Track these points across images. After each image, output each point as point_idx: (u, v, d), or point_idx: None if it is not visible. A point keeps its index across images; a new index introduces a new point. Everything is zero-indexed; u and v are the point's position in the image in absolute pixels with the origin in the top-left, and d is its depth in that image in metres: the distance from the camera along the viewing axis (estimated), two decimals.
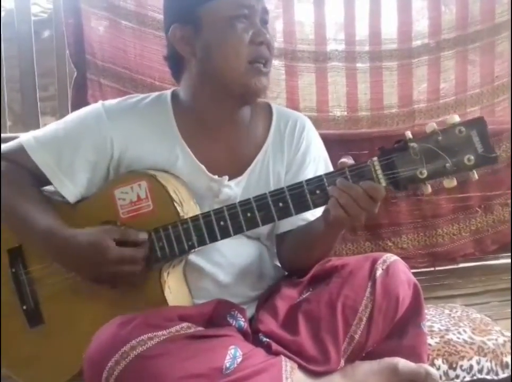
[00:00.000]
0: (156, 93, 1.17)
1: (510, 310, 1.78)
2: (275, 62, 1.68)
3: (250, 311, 1.13)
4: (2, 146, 1.12)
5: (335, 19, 1.77)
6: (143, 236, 0.99)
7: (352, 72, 1.76)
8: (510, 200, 1.84)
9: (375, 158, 0.93)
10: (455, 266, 1.88)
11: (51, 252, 1.03)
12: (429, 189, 0.92)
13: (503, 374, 1.20)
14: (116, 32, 1.59)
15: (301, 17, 1.74)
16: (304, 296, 1.10)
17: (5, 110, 1.67)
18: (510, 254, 1.90)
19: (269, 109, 1.20)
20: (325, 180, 0.94)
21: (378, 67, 1.77)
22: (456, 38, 1.80)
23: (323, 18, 1.73)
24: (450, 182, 0.91)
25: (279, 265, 1.23)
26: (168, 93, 1.16)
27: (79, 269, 1.02)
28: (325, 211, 0.98)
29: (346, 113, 1.77)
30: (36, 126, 1.66)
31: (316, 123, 1.30)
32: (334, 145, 1.44)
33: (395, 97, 1.80)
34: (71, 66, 1.59)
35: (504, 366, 1.20)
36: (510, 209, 1.84)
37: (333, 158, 1.24)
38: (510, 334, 1.28)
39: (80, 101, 1.55)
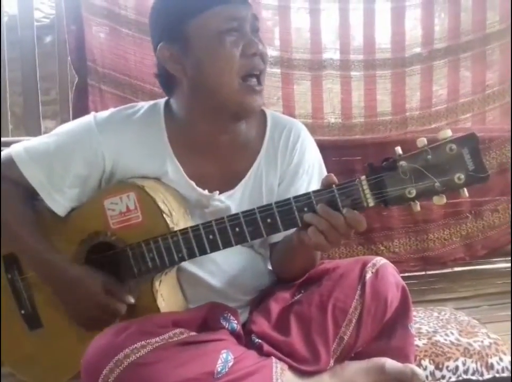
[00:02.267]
0: (151, 103, 1.14)
1: (500, 314, 1.82)
2: (272, 70, 1.72)
3: (244, 315, 1.14)
4: None
5: (331, 28, 1.80)
6: (129, 300, 1.01)
7: (346, 80, 1.80)
8: (500, 206, 1.87)
9: (363, 177, 0.91)
10: (446, 270, 1.92)
11: (40, 276, 1.06)
12: (418, 208, 0.90)
13: (488, 375, 1.23)
14: (116, 39, 1.62)
15: (298, 26, 1.78)
16: (295, 298, 1.12)
17: (7, 113, 1.70)
18: (500, 259, 1.94)
19: (263, 117, 1.17)
20: (313, 197, 0.93)
21: (372, 75, 1.81)
22: (448, 48, 1.85)
23: (319, 27, 1.78)
24: (440, 200, 0.88)
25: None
26: (162, 103, 1.13)
27: (63, 300, 1.04)
28: (300, 232, 0.95)
29: (340, 120, 1.81)
30: (38, 129, 1.69)
31: (311, 129, 1.32)
32: (328, 151, 1.46)
33: (388, 104, 1.84)
34: (73, 71, 1.62)
35: (489, 367, 1.23)
36: (499, 215, 1.88)
37: (327, 164, 1.26)
38: (495, 336, 1.31)
39: (81, 106, 1.59)
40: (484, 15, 1.88)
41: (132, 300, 1.01)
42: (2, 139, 1.59)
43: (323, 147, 1.30)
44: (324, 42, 1.78)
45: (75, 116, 1.52)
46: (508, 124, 1.89)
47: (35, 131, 1.67)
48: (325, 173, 1.18)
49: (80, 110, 1.57)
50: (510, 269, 1.91)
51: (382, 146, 1.74)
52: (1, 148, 1.16)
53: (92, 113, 1.12)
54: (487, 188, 1.85)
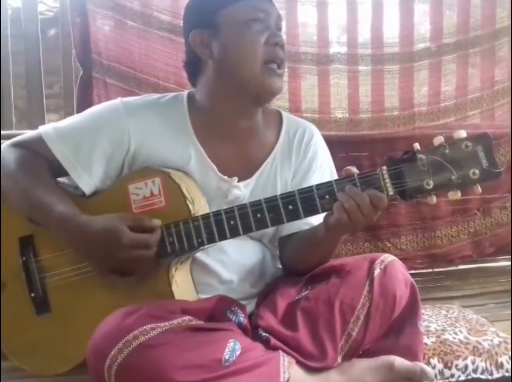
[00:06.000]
0: (173, 94, 1.20)
1: (506, 312, 1.79)
2: None
3: (250, 307, 1.15)
4: (22, 135, 1.15)
5: (338, 22, 1.79)
6: (156, 222, 1.02)
7: (354, 74, 1.78)
8: (508, 203, 1.85)
9: (384, 167, 0.96)
10: (453, 268, 1.90)
11: (65, 238, 1.04)
12: (435, 200, 0.95)
13: (497, 374, 1.21)
14: (121, 31, 1.61)
15: (304, 19, 1.77)
16: (302, 294, 1.12)
17: (10, 107, 1.69)
18: (507, 257, 1.92)
19: (279, 116, 1.24)
20: (334, 185, 0.97)
21: (380, 70, 1.79)
22: (457, 43, 1.83)
23: (326, 21, 1.76)
24: (455, 194, 0.94)
25: (280, 266, 1.25)
26: (184, 94, 1.19)
27: (93, 256, 1.03)
28: (327, 215, 1.00)
29: (347, 115, 1.79)
30: (41, 123, 1.67)
31: (318, 124, 1.32)
32: (335, 146, 1.46)
33: (396, 100, 1.82)
34: (77, 64, 1.61)
35: (498, 366, 1.22)
36: (508, 212, 1.86)
37: (335, 160, 1.26)
38: (505, 335, 1.30)
39: (85, 99, 1.58)
40: (493, 9, 1.86)
41: (159, 231, 1.01)
42: (6, 132, 1.58)
43: (330, 143, 1.30)
44: (331, 36, 1.76)
45: (79, 109, 1.51)
46: None
47: (39, 124, 1.62)
48: (335, 177, 1.21)
49: (85, 103, 1.56)
50: None
51: (390, 141, 1.73)
52: (5, 141, 1.17)
53: (119, 98, 1.17)
54: (495, 185, 1.82)
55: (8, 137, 1.35)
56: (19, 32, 1.69)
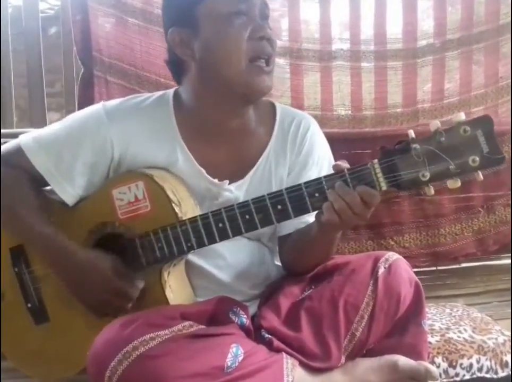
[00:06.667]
0: (159, 93, 1.14)
1: (509, 310, 1.79)
2: (281, 61, 1.69)
3: (252, 308, 1.13)
4: (3, 147, 1.11)
5: (341, 18, 1.77)
6: (140, 284, 1.00)
7: (357, 71, 1.76)
8: (511, 201, 1.84)
9: (375, 161, 0.90)
10: (457, 266, 1.89)
11: (49, 262, 1.04)
12: (432, 191, 0.89)
13: (502, 373, 1.21)
14: (122, 29, 1.60)
15: (307, 16, 1.75)
16: (306, 294, 1.11)
17: (11, 106, 1.68)
18: (510, 254, 1.91)
19: (272, 109, 1.17)
20: (324, 182, 0.92)
21: (383, 67, 1.77)
22: (461, 39, 1.80)
23: (329, 17, 1.74)
24: (454, 183, 0.87)
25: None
26: (171, 92, 1.13)
27: (73, 285, 1.03)
28: (318, 214, 0.96)
29: (350, 112, 1.78)
30: (43, 122, 1.68)
31: (320, 122, 1.30)
32: (338, 143, 1.44)
33: (399, 96, 1.80)
34: (78, 63, 1.61)
35: (503, 365, 1.21)
36: (511, 210, 1.84)
37: (337, 158, 1.24)
38: (509, 334, 1.29)
39: (87, 97, 1.57)
40: (497, 5, 1.84)
41: (142, 284, 1.00)
42: (7, 130, 1.58)
43: (332, 140, 1.28)
44: (334, 33, 1.74)
45: (81, 108, 1.49)
46: None
47: (40, 123, 1.65)
48: None
49: (86, 100, 1.55)
50: None
51: (393, 139, 1.65)
52: (6, 139, 1.16)
53: (101, 102, 1.12)
54: (499, 182, 1.81)
55: (9, 136, 1.35)
56: (20, 30, 1.69)
